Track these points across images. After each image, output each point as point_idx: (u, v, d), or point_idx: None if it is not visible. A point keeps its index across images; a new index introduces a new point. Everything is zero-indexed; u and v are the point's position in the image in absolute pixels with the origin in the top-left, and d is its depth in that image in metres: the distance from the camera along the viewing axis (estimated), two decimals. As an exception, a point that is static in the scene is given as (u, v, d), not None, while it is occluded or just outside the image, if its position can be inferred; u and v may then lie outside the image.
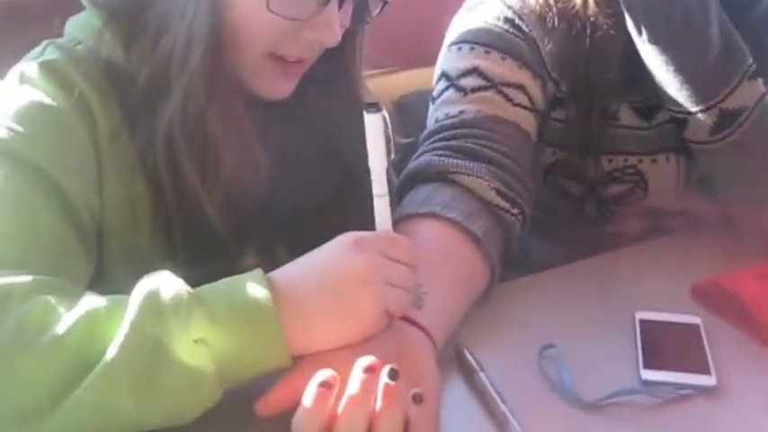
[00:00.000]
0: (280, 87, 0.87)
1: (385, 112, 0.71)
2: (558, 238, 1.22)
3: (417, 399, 0.66)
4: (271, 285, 0.70)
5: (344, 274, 0.71)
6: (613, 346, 0.86)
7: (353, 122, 0.73)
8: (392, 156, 0.71)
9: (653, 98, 1.07)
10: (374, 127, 0.70)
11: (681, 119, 1.02)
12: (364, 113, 0.70)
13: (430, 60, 1.15)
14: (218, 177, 0.82)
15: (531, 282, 1.00)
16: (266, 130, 0.88)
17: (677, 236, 1.14)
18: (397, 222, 0.90)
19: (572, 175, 1.12)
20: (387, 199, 0.73)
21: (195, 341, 0.66)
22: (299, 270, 0.73)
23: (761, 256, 0.98)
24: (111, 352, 0.63)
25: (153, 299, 0.66)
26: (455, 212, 0.90)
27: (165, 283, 0.68)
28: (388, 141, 0.71)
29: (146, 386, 0.64)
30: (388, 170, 0.74)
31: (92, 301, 0.67)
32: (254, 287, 0.69)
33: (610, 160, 1.10)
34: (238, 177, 0.83)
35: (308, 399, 0.65)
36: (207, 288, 0.70)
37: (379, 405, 0.65)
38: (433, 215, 0.90)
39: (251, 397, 0.70)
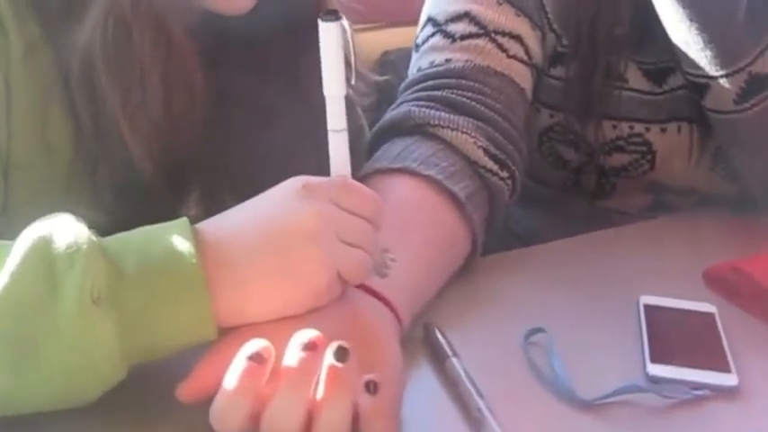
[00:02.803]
0: None
1: (345, 23, 0.57)
2: (549, 212, 1.11)
3: (372, 387, 0.54)
4: (197, 238, 0.56)
5: (288, 226, 0.57)
6: (613, 333, 0.73)
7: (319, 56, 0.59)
8: (353, 80, 0.57)
9: (665, 60, 0.96)
10: (331, 40, 0.57)
11: (701, 84, 0.89)
12: (318, 22, 0.57)
13: (417, 18, 1.03)
14: (143, 105, 0.69)
15: (519, 256, 0.87)
16: (217, 57, 0.75)
17: (686, 215, 1.02)
18: (365, 178, 0.78)
19: (570, 141, 1.01)
20: (345, 135, 0.59)
21: (94, 301, 0.52)
22: (235, 220, 0.59)
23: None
24: None
25: (43, 246, 0.53)
26: (434, 170, 0.78)
27: (61, 228, 0.55)
28: (349, 62, 0.57)
29: (25, 355, 0.51)
30: (350, 102, 0.61)
31: None
32: (175, 239, 0.56)
33: (614, 127, 0.99)
34: (171, 108, 0.70)
35: (233, 376, 0.52)
36: (115, 238, 0.57)
37: (321, 392, 0.52)
38: (408, 171, 0.78)
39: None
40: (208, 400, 0.53)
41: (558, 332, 0.70)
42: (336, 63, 0.57)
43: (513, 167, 0.85)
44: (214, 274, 0.55)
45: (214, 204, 0.77)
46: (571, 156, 1.01)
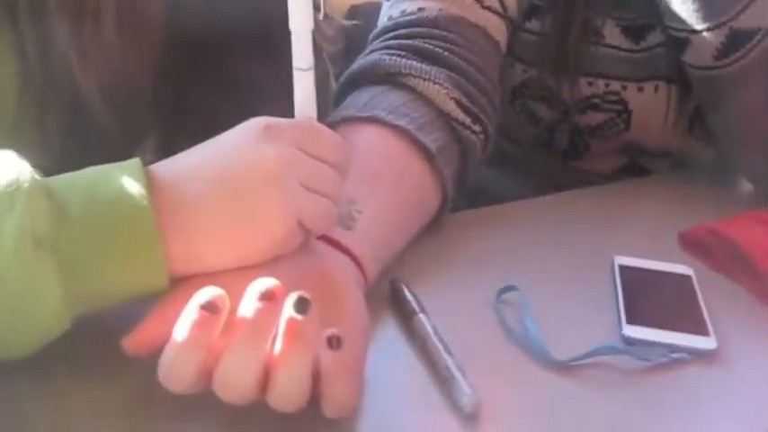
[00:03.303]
0: None
1: None
2: (519, 171, 1.08)
3: (334, 342, 0.50)
4: (149, 179, 0.52)
5: (247, 168, 0.53)
6: (587, 294, 0.70)
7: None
8: (322, 14, 0.52)
9: (644, 16, 0.93)
10: None
11: (681, 39, 0.86)
12: None
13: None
14: (95, 38, 0.64)
15: (489, 213, 0.84)
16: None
17: (661, 177, 1.00)
18: (331, 127, 0.72)
19: (543, 98, 0.97)
20: (311, 74, 0.55)
21: (35, 244, 0.48)
22: (191, 161, 0.55)
23: (757, 203, 0.85)
24: None
25: None
26: (404, 120, 0.74)
27: (2, 165, 0.50)
28: (317, 4, 0.53)
29: None
30: (317, 48, 0.56)
31: None
32: (125, 180, 0.51)
33: (589, 84, 0.95)
34: (126, 44, 0.65)
35: (183, 326, 0.48)
36: (61, 177, 0.52)
37: (279, 346, 0.48)
38: (376, 120, 0.73)
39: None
40: (157, 353, 0.49)
41: (530, 291, 0.67)
42: None
43: (486, 121, 0.81)
44: (166, 218, 0.51)
45: (171, 152, 0.73)
46: (544, 113, 0.98)
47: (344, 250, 0.61)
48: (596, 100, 0.96)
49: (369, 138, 0.73)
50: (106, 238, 0.50)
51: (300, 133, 0.55)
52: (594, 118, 0.97)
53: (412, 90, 0.78)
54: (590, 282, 0.71)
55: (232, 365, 0.48)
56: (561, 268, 0.73)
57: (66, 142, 0.68)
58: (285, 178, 0.53)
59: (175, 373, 0.48)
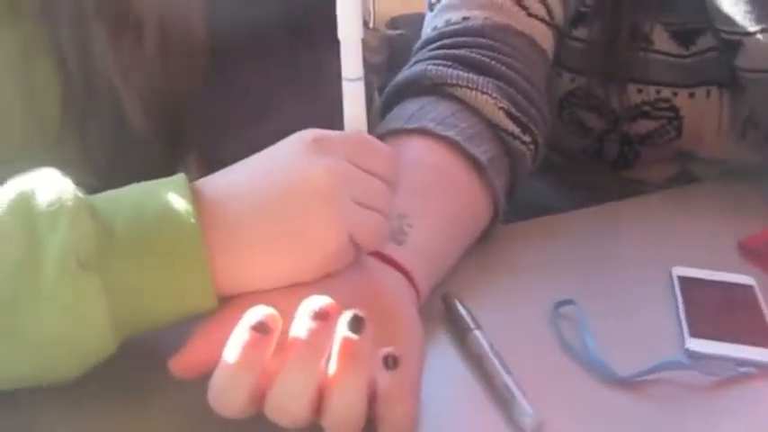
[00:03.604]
0: None
1: None
2: (569, 183, 1.06)
3: (390, 362, 0.48)
4: (196, 196, 0.51)
5: (297, 183, 0.51)
6: (646, 306, 0.67)
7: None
8: (371, 22, 0.51)
9: (694, 21, 0.91)
10: None
11: (734, 42, 0.84)
12: None
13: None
14: (137, 52, 0.63)
15: (541, 225, 0.81)
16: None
17: (714, 183, 0.97)
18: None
19: (592, 107, 0.95)
20: (361, 84, 0.54)
21: (80, 265, 0.46)
22: (237, 177, 0.53)
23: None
24: None
25: (23, 203, 0.48)
26: (453, 131, 0.72)
27: (44, 184, 0.49)
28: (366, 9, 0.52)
29: (1, 325, 0.46)
30: (367, 51, 0.55)
31: None
32: (171, 196, 0.50)
33: (639, 91, 0.93)
34: (167, 60, 0.64)
35: (234, 348, 0.46)
36: (105, 195, 0.51)
37: (333, 367, 0.46)
38: (424, 132, 0.72)
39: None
40: (205, 376, 0.48)
41: (586, 305, 0.65)
42: (353, 1, 0.51)
43: (536, 131, 0.80)
44: (213, 235, 0.50)
45: (216, 168, 0.72)
46: (594, 122, 0.96)
47: (396, 265, 0.60)
48: (647, 107, 0.94)
49: (417, 150, 0.71)
50: (152, 257, 0.49)
51: (351, 146, 0.54)
52: (645, 126, 0.95)
53: (459, 100, 0.76)
54: (648, 294, 0.69)
55: (287, 388, 0.46)
56: (617, 280, 0.71)
57: (110, 159, 0.67)
58: (336, 193, 0.51)
59: (228, 396, 0.47)
